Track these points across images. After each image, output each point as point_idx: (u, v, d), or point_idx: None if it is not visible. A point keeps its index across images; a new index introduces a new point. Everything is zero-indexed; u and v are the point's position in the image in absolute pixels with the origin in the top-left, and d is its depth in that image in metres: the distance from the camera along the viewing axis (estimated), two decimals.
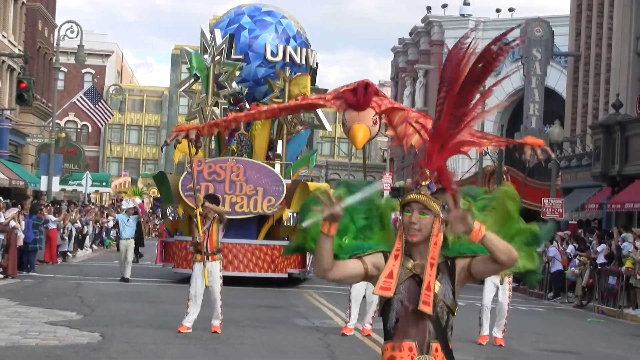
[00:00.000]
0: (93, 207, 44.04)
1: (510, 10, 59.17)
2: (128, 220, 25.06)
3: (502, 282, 15.06)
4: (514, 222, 4.88)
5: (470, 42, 4.54)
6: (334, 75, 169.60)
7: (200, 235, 14.27)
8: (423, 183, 4.54)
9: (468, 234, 4.31)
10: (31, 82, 34.15)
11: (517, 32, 41.10)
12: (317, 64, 28.34)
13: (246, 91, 26.37)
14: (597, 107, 38.00)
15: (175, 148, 17.11)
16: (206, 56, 25.92)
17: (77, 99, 42.65)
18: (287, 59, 26.78)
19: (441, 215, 4.47)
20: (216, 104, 25.19)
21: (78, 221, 33.94)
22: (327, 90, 26.19)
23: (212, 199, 14.97)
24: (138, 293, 20.69)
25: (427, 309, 4.45)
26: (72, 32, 37.58)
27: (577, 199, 35.53)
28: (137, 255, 33.25)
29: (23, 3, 43.52)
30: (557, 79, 49.68)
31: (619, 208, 30.84)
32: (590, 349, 15.73)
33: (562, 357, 14.68)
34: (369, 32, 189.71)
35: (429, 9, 61.24)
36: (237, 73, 25.81)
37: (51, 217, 28.55)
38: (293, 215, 24.50)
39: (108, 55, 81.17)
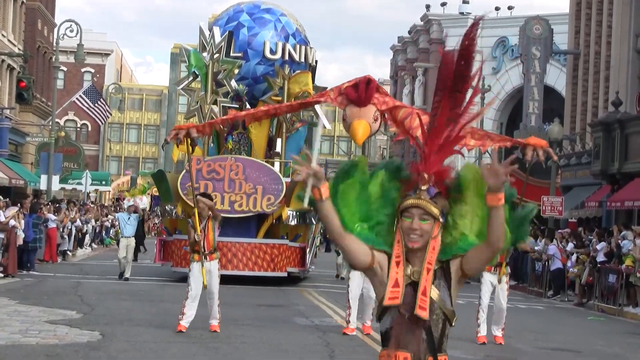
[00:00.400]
0: (93, 205, 44.02)
1: (510, 8, 59.17)
2: (129, 218, 25.05)
3: (499, 282, 15.06)
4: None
5: (462, 41, 4.54)
6: (333, 73, 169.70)
7: (199, 234, 14.13)
8: (422, 187, 4.49)
9: (493, 192, 4.25)
10: (31, 81, 34.16)
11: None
12: (316, 61, 28.24)
13: (245, 90, 26.31)
14: (596, 104, 38.01)
15: (177, 147, 17.10)
16: (205, 54, 25.82)
17: (77, 98, 42.66)
18: (287, 57, 26.71)
19: (440, 219, 4.45)
20: (215, 102, 25.14)
21: (78, 220, 33.93)
22: (326, 88, 26.16)
23: (206, 197, 14.90)
24: (138, 292, 20.69)
25: (424, 314, 4.39)
26: (71, 31, 37.58)
27: (576, 197, 35.53)
28: (137, 251, 33.28)
29: (23, 2, 43.51)
30: (557, 77, 49.70)
31: (618, 206, 30.85)
32: (590, 347, 15.74)
33: (561, 356, 14.69)
34: (368, 30, 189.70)
35: (428, 7, 61.24)
36: (236, 71, 25.72)
37: (51, 216, 28.55)
38: (293, 213, 24.48)
39: (107, 54, 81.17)
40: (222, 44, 25.45)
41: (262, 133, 26.28)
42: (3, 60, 40.28)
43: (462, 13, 59.34)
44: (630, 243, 22.85)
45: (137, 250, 33.17)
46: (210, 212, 14.47)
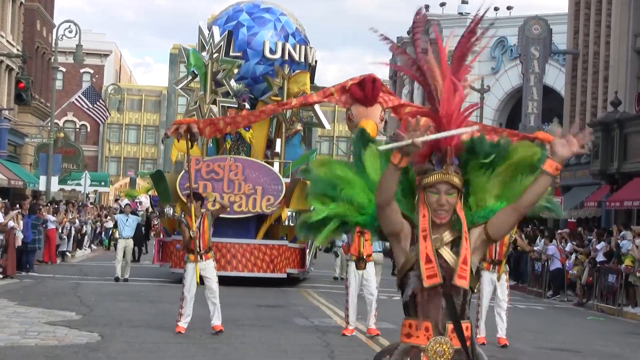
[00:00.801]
0: (92, 206, 44.02)
1: (509, 8, 59.14)
2: (127, 219, 25.00)
3: (499, 279, 15.02)
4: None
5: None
6: (332, 73, 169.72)
7: (194, 232, 13.97)
8: (448, 161, 4.57)
9: (556, 161, 4.38)
10: (29, 82, 34.14)
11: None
12: (316, 61, 28.15)
13: (246, 90, 26.25)
14: (595, 104, 38.02)
15: (177, 142, 17.06)
16: (204, 53, 25.77)
17: (76, 99, 42.65)
18: (286, 57, 26.66)
19: (462, 190, 4.53)
20: (214, 102, 25.10)
21: (77, 221, 33.92)
22: (325, 87, 26.12)
23: (197, 197, 14.71)
24: (137, 293, 20.68)
25: (464, 283, 4.46)
26: (70, 31, 37.56)
27: (576, 196, 35.54)
28: (140, 252, 33.25)
29: (21, 3, 43.50)
30: (556, 77, 49.68)
31: (618, 206, 30.84)
32: (589, 347, 15.72)
33: (560, 355, 14.67)
34: (368, 30, 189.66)
35: (427, 7, 61.23)
36: (236, 71, 25.66)
37: (50, 217, 28.53)
38: (292, 214, 24.44)
39: (106, 55, 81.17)
40: (222, 43, 25.40)
41: (261, 133, 26.25)
42: (2, 61, 40.26)
43: (460, 13, 59.33)
44: (629, 243, 22.84)
45: (139, 252, 33.20)
46: (203, 211, 14.39)
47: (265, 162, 25.29)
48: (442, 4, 60.28)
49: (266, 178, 24.12)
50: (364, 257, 15.08)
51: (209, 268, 14.22)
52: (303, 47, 27.28)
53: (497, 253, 15.06)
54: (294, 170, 27.23)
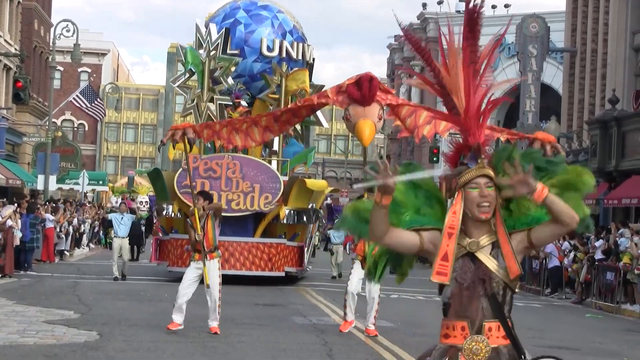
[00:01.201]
0: (89, 205, 44.00)
1: (506, 6, 59.18)
2: (122, 218, 24.88)
3: None
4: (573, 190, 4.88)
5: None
6: (329, 71, 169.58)
7: (200, 234, 13.92)
8: (482, 157, 4.63)
9: (531, 195, 4.40)
10: (27, 81, 34.10)
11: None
12: (313, 59, 28.08)
13: (241, 88, 26.19)
14: (593, 102, 38.03)
15: (173, 148, 16.96)
16: (201, 51, 25.68)
17: (74, 98, 42.64)
18: (284, 54, 26.60)
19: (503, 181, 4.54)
20: (212, 100, 25.03)
21: (75, 220, 33.91)
22: (323, 86, 26.06)
23: (205, 195, 14.77)
24: (135, 291, 20.67)
25: (516, 275, 4.60)
26: (68, 31, 37.56)
27: None
28: (138, 252, 33.19)
29: (19, 2, 43.46)
30: (553, 75, 49.70)
31: (616, 204, 30.86)
32: (587, 345, 15.73)
33: (558, 353, 14.65)
34: (365, 28, 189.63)
35: (424, 5, 61.26)
36: (233, 68, 25.55)
37: (48, 216, 28.52)
38: (290, 212, 24.42)
39: (104, 54, 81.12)
40: (219, 41, 25.32)
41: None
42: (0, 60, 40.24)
43: (458, 11, 59.24)
44: (627, 240, 22.86)
45: (138, 251, 33.14)
46: (209, 210, 14.36)
47: (263, 160, 25.26)
48: (440, 2, 60.29)
49: (264, 176, 24.04)
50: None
51: (212, 268, 14.06)
52: (301, 45, 27.22)
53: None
54: (291, 168, 27.24)
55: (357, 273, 14.83)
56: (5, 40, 40.81)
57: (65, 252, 32.04)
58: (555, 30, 43.16)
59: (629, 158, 31.20)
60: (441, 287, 4.66)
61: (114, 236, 25.28)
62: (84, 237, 37.21)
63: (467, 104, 4.71)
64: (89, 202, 48.93)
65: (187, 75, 25.82)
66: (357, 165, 74.97)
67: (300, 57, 27.03)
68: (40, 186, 38.09)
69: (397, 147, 68.92)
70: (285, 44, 26.72)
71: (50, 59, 39.03)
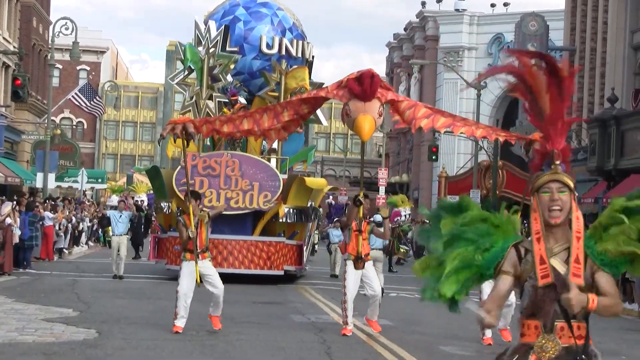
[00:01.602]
0: (88, 203, 43.98)
1: (505, 5, 59.14)
2: (120, 216, 24.82)
3: None
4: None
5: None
6: (329, 69, 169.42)
7: (193, 231, 13.74)
8: (557, 162, 4.76)
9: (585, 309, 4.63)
10: (26, 79, 34.12)
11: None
12: (313, 57, 28.01)
13: (237, 85, 26.12)
14: (592, 101, 38.04)
15: (174, 142, 16.91)
16: (200, 48, 25.63)
17: (72, 96, 42.63)
18: (283, 52, 26.51)
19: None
20: (210, 97, 24.99)
21: (73, 218, 33.91)
22: (323, 84, 26.01)
23: (196, 196, 14.45)
24: (134, 290, 20.68)
25: (579, 281, 4.63)
26: (66, 28, 37.56)
27: None
28: (137, 250, 33.15)
29: (18, 0, 43.45)
30: None
31: None
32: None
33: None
34: (364, 26, 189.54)
35: (423, 4, 61.23)
36: (232, 66, 25.46)
37: (47, 214, 28.52)
38: (289, 211, 24.39)
39: (103, 52, 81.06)
40: (218, 38, 25.27)
41: None
42: None
43: (457, 10, 59.31)
44: None
45: (137, 249, 33.10)
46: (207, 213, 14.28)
47: (262, 158, 25.21)
48: (439, 1, 60.29)
49: (263, 174, 23.99)
50: (362, 256, 14.50)
51: (208, 267, 14.02)
52: (300, 42, 27.15)
53: None
54: (290, 166, 27.19)
55: (352, 276, 14.53)
56: (4, 38, 40.81)
57: (64, 250, 32.05)
58: (555, 29, 43.19)
59: (628, 157, 31.20)
60: (522, 292, 4.85)
61: (112, 234, 25.25)
62: (83, 235, 37.20)
63: (551, 111, 4.84)
64: (88, 200, 48.91)
65: (186, 72, 25.76)
66: (356, 163, 74.89)
67: (299, 54, 26.96)
68: (39, 184, 38.08)
69: (396, 146, 68.93)
70: (285, 41, 26.65)
71: (49, 57, 39.04)
